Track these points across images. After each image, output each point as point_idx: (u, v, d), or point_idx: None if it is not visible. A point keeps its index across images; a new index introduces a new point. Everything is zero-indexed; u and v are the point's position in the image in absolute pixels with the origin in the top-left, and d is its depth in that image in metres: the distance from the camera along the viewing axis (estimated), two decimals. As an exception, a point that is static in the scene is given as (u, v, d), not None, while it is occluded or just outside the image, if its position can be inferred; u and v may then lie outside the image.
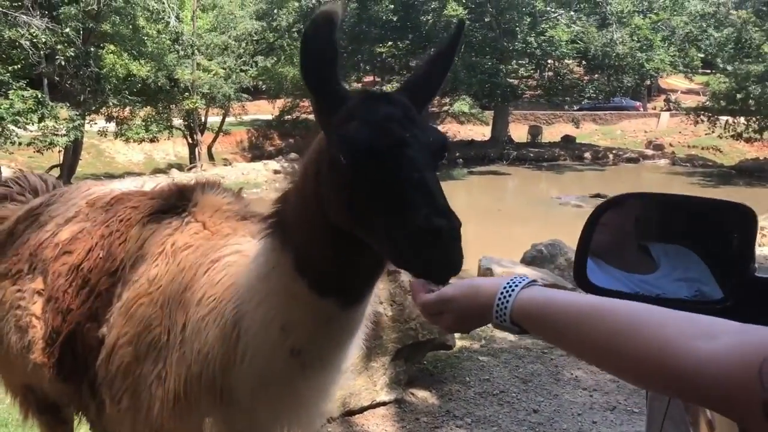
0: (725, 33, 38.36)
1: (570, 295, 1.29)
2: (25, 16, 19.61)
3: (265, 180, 30.86)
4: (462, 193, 26.71)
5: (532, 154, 42.49)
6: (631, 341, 1.08)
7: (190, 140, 35.14)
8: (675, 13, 39.80)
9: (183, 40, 29.18)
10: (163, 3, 25.36)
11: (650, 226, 1.91)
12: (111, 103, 27.36)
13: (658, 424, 2.08)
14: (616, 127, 49.51)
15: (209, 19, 35.62)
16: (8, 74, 18.87)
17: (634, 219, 1.88)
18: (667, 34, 39.99)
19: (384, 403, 5.42)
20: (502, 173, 36.25)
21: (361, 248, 1.75)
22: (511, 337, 6.77)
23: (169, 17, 25.67)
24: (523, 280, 1.32)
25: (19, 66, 20.34)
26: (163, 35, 28.05)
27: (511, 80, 40.56)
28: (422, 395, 5.67)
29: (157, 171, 32.07)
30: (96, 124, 28.43)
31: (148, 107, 31.05)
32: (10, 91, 18.92)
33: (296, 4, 40.81)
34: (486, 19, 39.44)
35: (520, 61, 41.47)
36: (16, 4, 19.96)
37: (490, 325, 1.37)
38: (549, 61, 43.66)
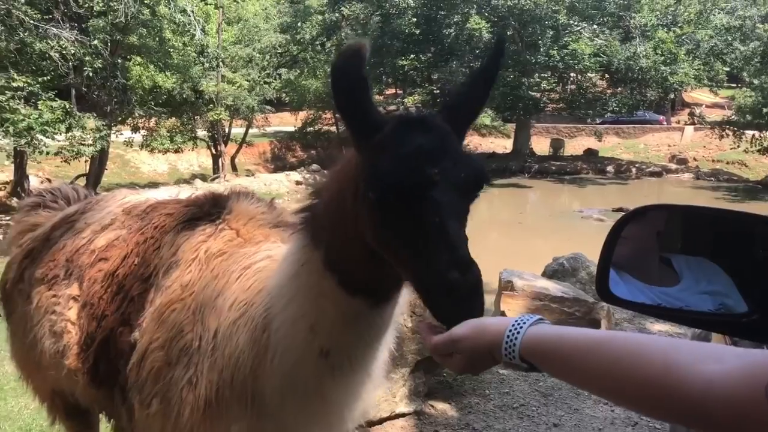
0: (751, 47, 37.92)
1: (578, 330, 1.30)
2: (55, 29, 19.96)
3: (287, 191, 31.06)
4: (483, 206, 26.50)
5: (554, 167, 42.28)
6: (637, 367, 1.09)
7: (213, 151, 35.48)
8: (700, 26, 39.46)
9: (208, 53, 29.53)
10: (189, 16, 25.66)
11: (673, 238, 1.90)
12: (137, 114, 27.71)
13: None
14: (639, 140, 49.13)
15: (234, 31, 36.07)
16: (38, 85, 19.17)
17: (656, 231, 1.87)
18: (692, 47, 39.64)
19: (403, 415, 5.41)
20: (524, 186, 36.10)
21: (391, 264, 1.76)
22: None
23: (194, 30, 25.96)
24: (531, 318, 1.33)
25: (48, 77, 20.68)
26: (189, 47, 28.40)
27: (533, 93, 40.44)
28: (441, 407, 5.65)
29: (180, 181, 32.36)
30: (122, 134, 28.80)
31: (173, 118, 31.43)
32: (39, 102, 19.22)
33: (320, 17, 41.22)
34: (509, 33, 39.42)
35: (542, 74, 41.35)
36: (47, 17, 20.33)
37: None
38: (572, 74, 43.50)
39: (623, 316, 8.22)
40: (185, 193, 3.33)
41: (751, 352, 1.02)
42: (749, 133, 38.36)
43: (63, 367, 2.93)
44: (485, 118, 40.83)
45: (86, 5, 21.64)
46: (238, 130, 38.40)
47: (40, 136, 18.98)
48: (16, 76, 18.58)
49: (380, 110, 1.82)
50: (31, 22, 18.81)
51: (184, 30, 26.38)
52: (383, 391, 5.25)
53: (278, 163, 42.93)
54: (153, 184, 29.86)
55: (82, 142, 21.73)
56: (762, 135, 37.79)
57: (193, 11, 26.14)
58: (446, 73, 38.19)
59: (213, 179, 31.71)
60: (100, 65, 22.17)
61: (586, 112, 43.30)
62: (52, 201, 3.75)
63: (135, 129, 29.34)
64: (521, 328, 1.31)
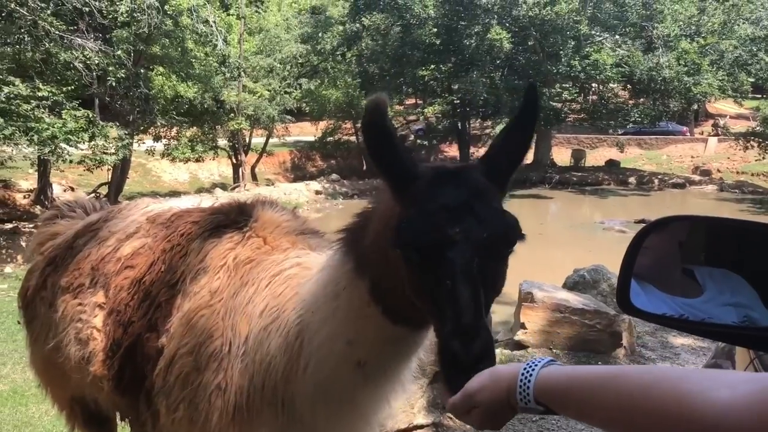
0: (777, 57, 37.55)
1: (590, 367, 1.31)
2: (79, 39, 20.26)
3: (306, 200, 31.20)
4: (503, 217, 26.21)
5: (575, 178, 42.02)
6: (648, 399, 1.08)
7: (234, 160, 35.73)
8: (724, 36, 39.06)
9: (230, 63, 29.78)
10: (212, 26, 25.94)
11: (695, 250, 1.86)
12: (159, 123, 28.01)
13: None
14: (661, 151, 48.71)
15: (255, 42, 36.41)
16: (62, 95, 19.45)
17: (679, 242, 1.84)
18: (716, 58, 39.25)
19: (421, 427, 5.37)
20: (544, 197, 35.90)
21: None
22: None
23: (216, 40, 26.22)
24: (543, 360, 1.33)
25: (72, 87, 20.98)
26: (211, 58, 28.69)
27: (554, 103, 40.26)
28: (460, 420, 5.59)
29: (201, 190, 32.64)
30: (144, 143, 29.12)
31: (194, 127, 31.73)
32: (63, 111, 19.48)
33: (341, 28, 41.45)
34: (530, 43, 39.35)
35: (563, 85, 41.16)
36: (72, 27, 20.65)
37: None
38: (593, 84, 43.30)
39: (645, 329, 8.11)
40: (207, 202, 3.36)
41: (762, 377, 1.00)
42: (775, 144, 37.89)
43: (88, 374, 2.95)
44: (505, 128, 40.68)
45: (110, 16, 21.94)
46: (258, 140, 38.68)
47: (63, 145, 19.23)
48: (41, 85, 18.87)
49: (413, 157, 1.85)
50: (57, 32, 19.12)
51: (206, 40, 26.66)
52: (401, 402, 5.22)
53: (298, 173, 43.16)
54: (174, 193, 30.19)
55: (105, 151, 21.99)
56: (788, 146, 37.30)
57: (215, 22, 26.42)
58: (466, 83, 38.13)
59: (233, 188, 31.92)
60: (123, 75, 22.46)
61: (608, 122, 43.02)
62: (69, 210, 3.81)
63: (157, 138, 29.67)
64: (533, 369, 1.30)
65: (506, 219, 1.71)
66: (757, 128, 39.54)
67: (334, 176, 38.08)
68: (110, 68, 21.79)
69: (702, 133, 51.30)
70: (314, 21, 42.83)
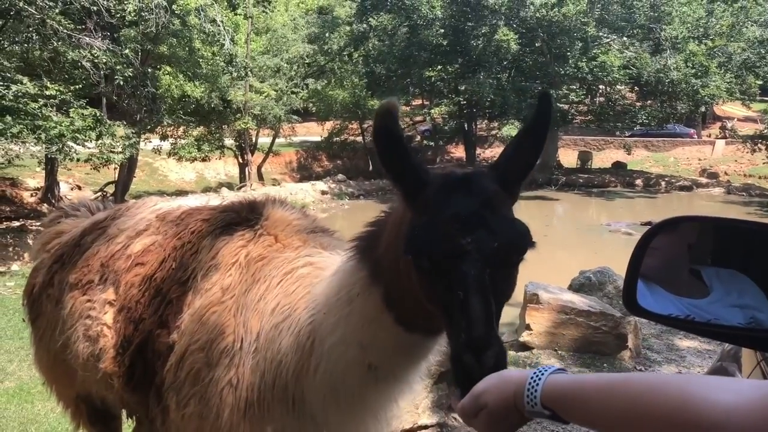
0: (785, 60, 37.37)
1: (597, 374, 1.33)
2: (87, 38, 20.31)
3: (312, 200, 31.20)
4: (509, 218, 26.14)
5: (581, 180, 41.89)
6: (655, 403, 1.08)
7: (240, 160, 35.77)
8: (732, 39, 38.88)
9: (236, 62, 29.81)
10: (219, 26, 25.98)
11: (703, 251, 1.86)
12: (165, 123, 28.05)
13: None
14: (669, 154, 48.55)
15: (262, 42, 36.44)
16: (70, 93, 19.51)
17: (687, 243, 1.83)
18: (724, 60, 39.08)
19: (425, 427, 5.36)
20: (550, 198, 35.80)
21: None
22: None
23: (223, 40, 26.25)
24: (552, 367, 1.34)
25: (80, 86, 21.04)
26: (218, 57, 28.71)
27: (561, 105, 40.13)
28: (464, 420, 5.58)
29: (207, 190, 32.70)
30: (150, 142, 29.17)
31: (201, 127, 31.77)
32: (71, 110, 19.54)
33: (347, 28, 41.45)
34: (537, 44, 39.26)
35: (570, 86, 41.05)
36: (80, 26, 20.72)
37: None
38: (600, 86, 43.14)
39: (651, 332, 8.08)
40: (214, 201, 3.37)
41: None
42: (783, 147, 37.71)
43: (98, 371, 2.96)
44: (512, 129, 40.67)
45: (118, 15, 22.01)
46: (264, 140, 38.72)
47: (70, 143, 19.28)
48: (49, 84, 18.93)
49: (423, 163, 1.87)
50: (65, 31, 19.17)
51: (214, 40, 26.70)
52: (406, 402, 5.21)
53: (304, 173, 43.18)
54: (180, 192, 30.24)
55: (112, 150, 22.01)
56: (795, 149, 37.12)
57: (222, 21, 26.45)
58: (473, 84, 38.05)
59: (239, 188, 31.95)
60: (130, 74, 22.51)
61: (615, 124, 42.87)
62: (73, 210, 3.83)
63: (163, 137, 29.73)
64: (542, 375, 1.32)
65: (517, 227, 1.72)
66: (765, 131, 39.33)
67: (340, 176, 38.08)
68: (118, 67, 21.83)
69: (709, 136, 51.12)
70: (321, 21, 42.82)
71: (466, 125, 44.53)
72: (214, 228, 2.85)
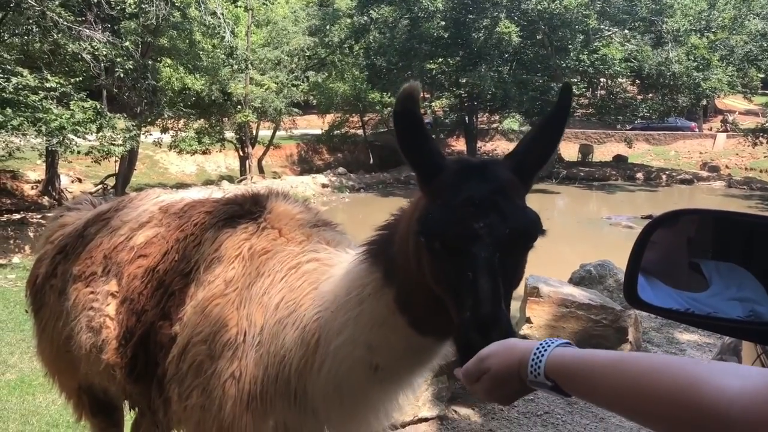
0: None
1: (603, 350, 1.32)
2: (88, 30, 20.25)
3: (313, 193, 31.23)
4: (510, 211, 26.08)
5: (582, 173, 41.89)
6: (659, 382, 1.09)
7: (241, 153, 35.73)
8: (734, 32, 38.78)
9: (237, 55, 29.71)
10: (219, 18, 25.90)
11: (703, 244, 1.86)
12: (166, 115, 28.00)
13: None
14: (670, 147, 48.49)
15: (263, 34, 36.35)
16: (70, 86, 19.45)
17: (687, 236, 1.83)
18: (726, 53, 38.99)
19: (426, 419, 5.38)
20: (551, 192, 35.79)
21: None
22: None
23: (224, 32, 26.16)
24: (559, 340, 1.35)
25: (80, 78, 20.99)
26: (218, 50, 28.63)
27: (562, 98, 39.97)
28: (465, 413, 5.61)
29: (208, 182, 32.69)
30: (151, 135, 29.13)
31: (202, 120, 31.71)
32: (71, 102, 19.50)
33: (348, 20, 41.31)
34: (538, 37, 39.17)
35: (572, 79, 40.90)
36: (80, 19, 20.66)
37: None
38: (602, 79, 43.08)
39: (651, 325, 8.09)
40: (216, 194, 3.37)
41: None
42: (784, 140, 37.64)
43: (101, 362, 2.97)
44: (513, 122, 40.60)
45: (118, 7, 21.95)
46: (265, 133, 38.65)
47: (71, 136, 19.22)
48: (49, 76, 18.88)
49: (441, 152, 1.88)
50: (65, 23, 19.11)
51: (214, 32, 26.62)
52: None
53: (305, 166, 43.13)
54: (181, 185, 30.25)
55: (113, 142, 21.96)
56: (797, 143, 37.05)
57: (222, 14, 26.36)
58: (474, 77, 37.97)
59: (240, 181, 31.93)
60: (131, 67, 22.45)
61: (616, 117, 42.86)
62: (75, 204, 3.84)
63: (164, 130, 29.68)
64: (548, 346, 1.33)
65: (528, 215, 1.76)
66: (767, 124, 39.28)
67: (341, 169, 38.07)
68: (118, 60, 21.77)
69: (711, 129, 51.03)
70: (322, 13, 42.70)
71: (467, 118, 44.46)
72: (217, 220, 2.84)
